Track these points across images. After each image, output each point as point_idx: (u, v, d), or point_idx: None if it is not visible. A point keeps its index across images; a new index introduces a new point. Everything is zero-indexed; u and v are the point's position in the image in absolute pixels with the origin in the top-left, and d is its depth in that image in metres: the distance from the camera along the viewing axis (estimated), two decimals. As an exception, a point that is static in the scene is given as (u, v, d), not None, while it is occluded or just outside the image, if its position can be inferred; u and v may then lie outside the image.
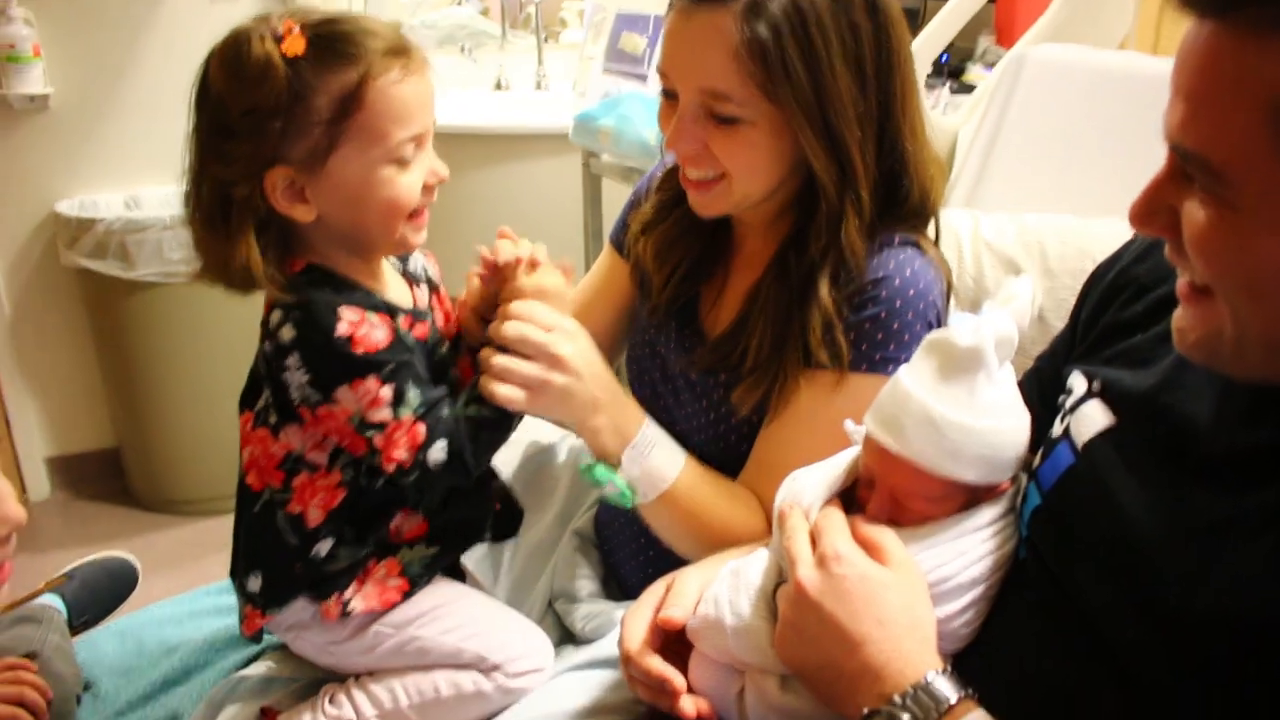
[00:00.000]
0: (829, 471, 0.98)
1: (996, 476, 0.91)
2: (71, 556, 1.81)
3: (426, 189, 1.02)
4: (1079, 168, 1.53)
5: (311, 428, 1.01)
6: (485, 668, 1.10)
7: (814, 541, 0.88)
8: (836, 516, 0.91)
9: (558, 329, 1.05)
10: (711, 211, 1.18)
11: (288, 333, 0.97)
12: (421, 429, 0.98)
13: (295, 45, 0.93)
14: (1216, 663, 0.72)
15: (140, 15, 2.80)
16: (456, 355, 1.12)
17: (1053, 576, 0.85)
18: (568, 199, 2.60)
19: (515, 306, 1.04)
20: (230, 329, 2.66)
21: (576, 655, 1.16)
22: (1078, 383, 0.91)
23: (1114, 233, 1.24)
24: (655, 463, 1.12)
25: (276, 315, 0.98)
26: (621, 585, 1.34)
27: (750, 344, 1.16)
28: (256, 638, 1.13)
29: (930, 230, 1.21)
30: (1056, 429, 0.91)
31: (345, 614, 1.06)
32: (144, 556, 2.73)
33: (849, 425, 1.01)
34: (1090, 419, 0.87)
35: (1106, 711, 0.78)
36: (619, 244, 1.40)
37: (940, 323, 1.16)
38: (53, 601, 1.43)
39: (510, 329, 1.03)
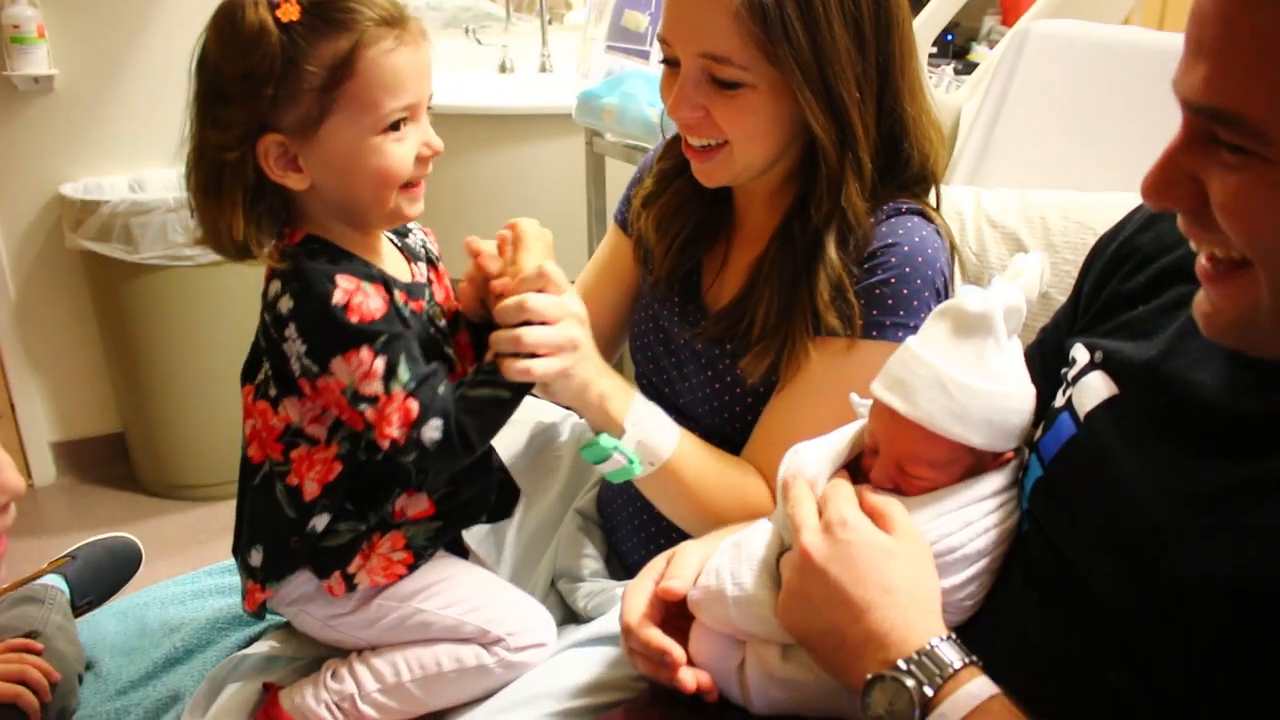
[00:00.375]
0: (833, 444, 0.98)
1: (1001, 443, 0.91)
2: (76, 541, 1.82)
3: (421, 160, 1.01)
4: (1083, 143, 1.52)
5: (311, 400, 1.01)
6: (487, 642, 1.10)
7: (820, 510, 0.89)
8: (844, 486, 0.91)
9: (565, 317, 1.04)
10: (715, 180, 1.18)
11: (285, 303, 0.97)
12: (414, 405, 0.97)
13: (290, 11, 0.93)
14: (1218, 632, 0.71)
15: (145, -3, 2.80)
16: (454, 333, 1.12)
17: (1054, 548, 0.85)
18: (572, 179, 2.60)
19: (527, 301, 1.02)
20: (235, 312, 2.66)
21: (578, 633, 1.16)
22: (1080, 354, 0.91)
23: (1116, 207, 1.22)
24: (652, 433, 1.12)
25: (275, 286, 0.99)
26: (624, 563, 1.34)
27: (757, 313, 1.16)
28: (259, 614, 1.13)
29: (932, 198, 1.21)
30: (1058, 400, 0.91)
31: (351, 589, 1.06)
32: (149, 541, 2.73)
33: (854, 398, 1.02)
34: (1092, 389, 0.87)
35: (1110, 683, 0.77)
36: (623, 222, 1.40)
37: (947, 289, 1.16)
38: (55, 582, 1.43)
39: (530, 301, 1.02)
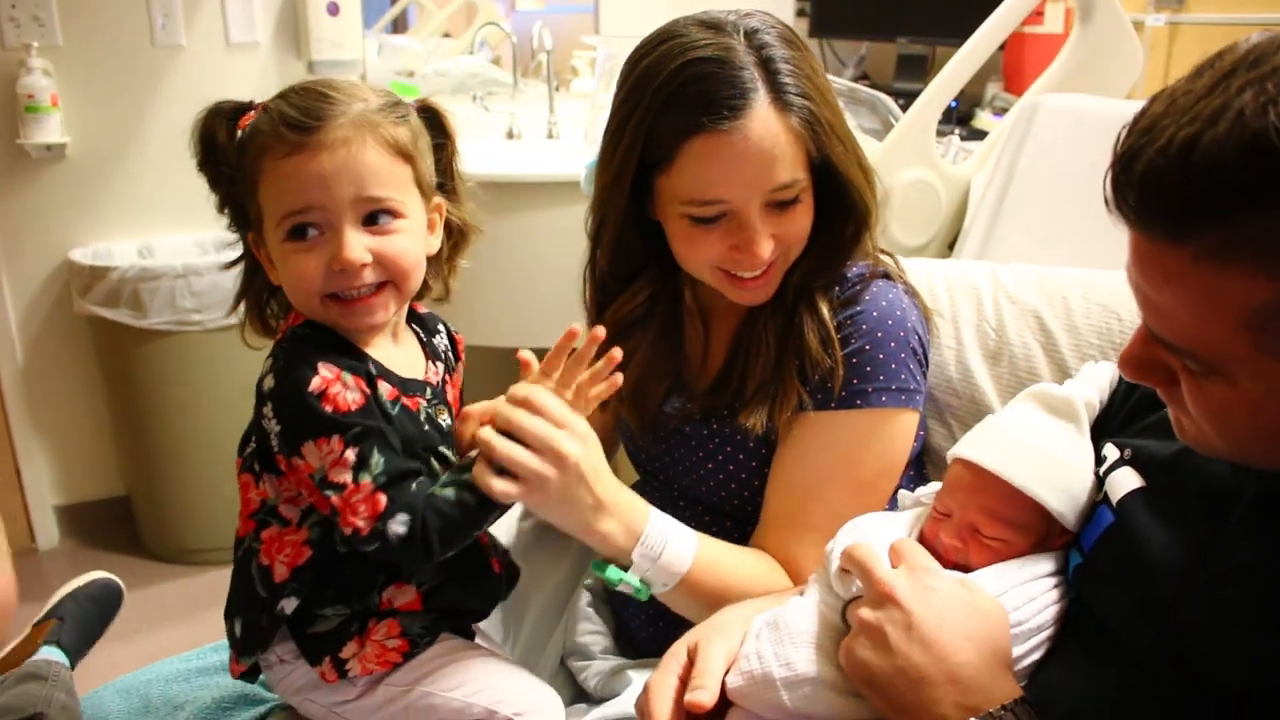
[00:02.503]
0: (892, 519, 1.01)
1: (1070, 516, 0.95)
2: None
3: (337, 273, 0.97)
4: (1092, 217, 1.52)
5: (288, 478, 1.01)
6: None
7: (894, 563, 0.90)
8: (918, 545, 0.93)
9: (569, 426, 1.00)
10: (767, 296, 1.16)
11: (268, 381, 0.99)
12: (382, 499, 0.95)
13: (247, 120, 1.00)
14: (1247, 700, 0.74)
15: (157, 66, 2.83)
16: (453, 439, 1.09)
17: (1099, 622, 0.87)
18: (578, 247, 2.60)
19: (530, 392, 1.00)
20: (242, 378, 2.63)
21: (590, 715, 1.14)
22: (1111, 452, 0.96)
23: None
24: (669, 554, 1.08)
25: (267, 364, 1.01)
26: (633, 641, 1.32)
27: (752, 369, 1.17)
28: (248, 678, 1.11)
29: (892, 261, 1.24)
30: (1098, 496, 0.96)
31: (343, 675, 1.04)
32: (153, 606, 2.73)
33: (904, 494, 1.07)
34: (1122, 481, 0.91)
35: None
36: None
37: (923, 348, 1.17)
38: (55, 656, 1.42)
39: (521, 417, 0.98)
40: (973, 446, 0.98)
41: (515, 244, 2.68)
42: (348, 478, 0.95)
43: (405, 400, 1.03)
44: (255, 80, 2.88)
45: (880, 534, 0.97)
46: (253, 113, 1.00)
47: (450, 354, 1.16)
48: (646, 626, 1.28)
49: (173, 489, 2.88)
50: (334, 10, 2.90)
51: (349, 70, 3.00)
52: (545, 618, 1.36)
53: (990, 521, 0.95)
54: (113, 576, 1.69)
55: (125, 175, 2.87)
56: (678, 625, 1.23)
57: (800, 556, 1.14)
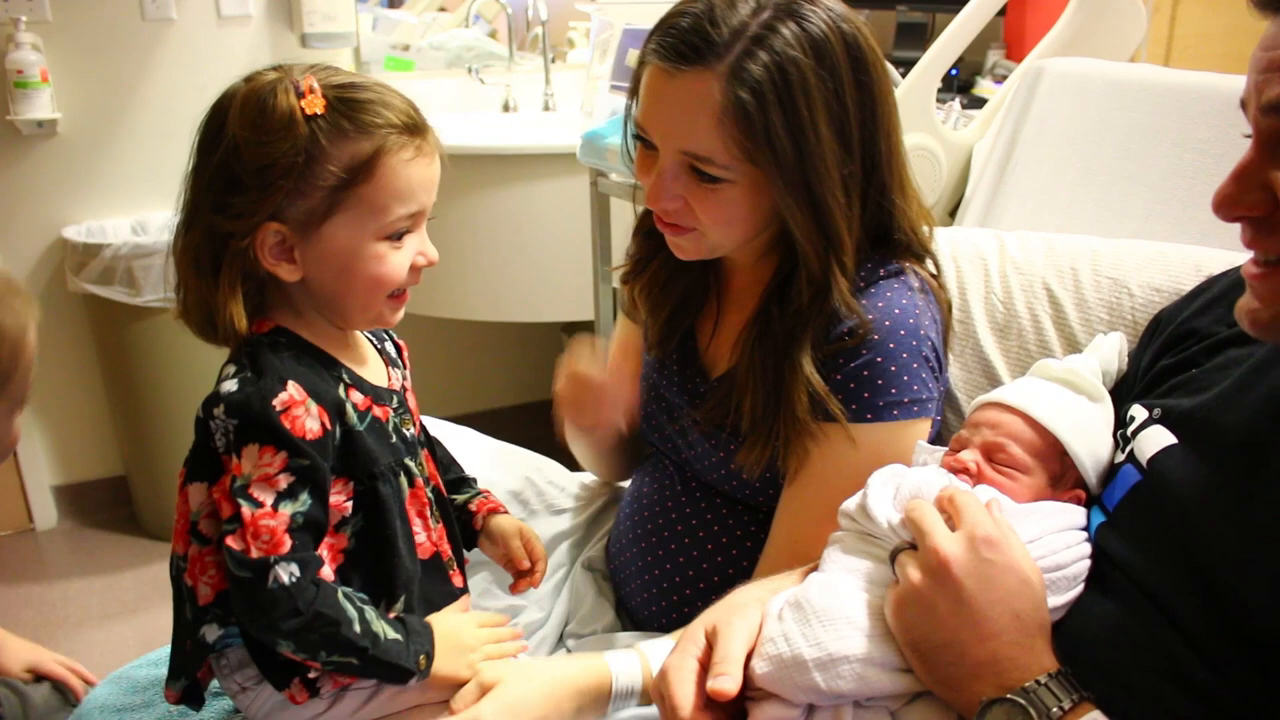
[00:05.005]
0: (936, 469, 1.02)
1: (1085, 460, 0.99)
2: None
3: (414, 270, 1.00)
4: (1097, 182, 1.50)
5: (220, 483, 0.94)
6: None
7: (950, 520, 0.88)
8: (974, 496, 0.91)
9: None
10: (689, 255, 1.17)
11: (229, 385, 0.93)
12: (287, 542, 0.90)
13: (314, 104, 0.92)
14: (1265, 652, 0.75)
15: (148, 40, 2.79)
16: (419, 446, 1.09)
17: (1129, 578, 0.87)
18: (576, 219, 2.58)
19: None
20: (237, 354, 2.64)
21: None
22: (1139, 413, 0.96)
23: (1148, 267, 1.21)
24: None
25: (229, 368, 0.96)
26: (633, 617, 1.30)
27: (743, 406, 1.14)
28: (192, 703, 1.05)
29: (929, 264, 1.20)
30: (1119, 457, 0.97)
31: (314, 694, 0.99)
32: (151, 585, 2.73)
33: (921, 444, 1.08)
34: (1153, 439, 0.91)
35: (1198, 680, 0.79)
36: (628, 311, 1.40)
37: (937, 355, 1.14)
38: None
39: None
40: (998, 393, 1.05)
41: (513, 217, 2.66)
42: (269, 499, 0.91)
43: (376, 410, 1.01)
44: (247, 54, 2.84)
45: (926, 484, 0.96)
46: (311, 94, 0.93)
47: (401, 359, 1.14)
48: (647, 605, 1.27)
49: (170, 468, 2.84)
50: (326, -17, 2.87)
51: (342, 43, 2.97)
52: (544, 593, 1.35)
53: (1005, 448, 0.99)
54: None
55: (117, 151, 2.84)
56: (678, 600, 1.22)
57: None
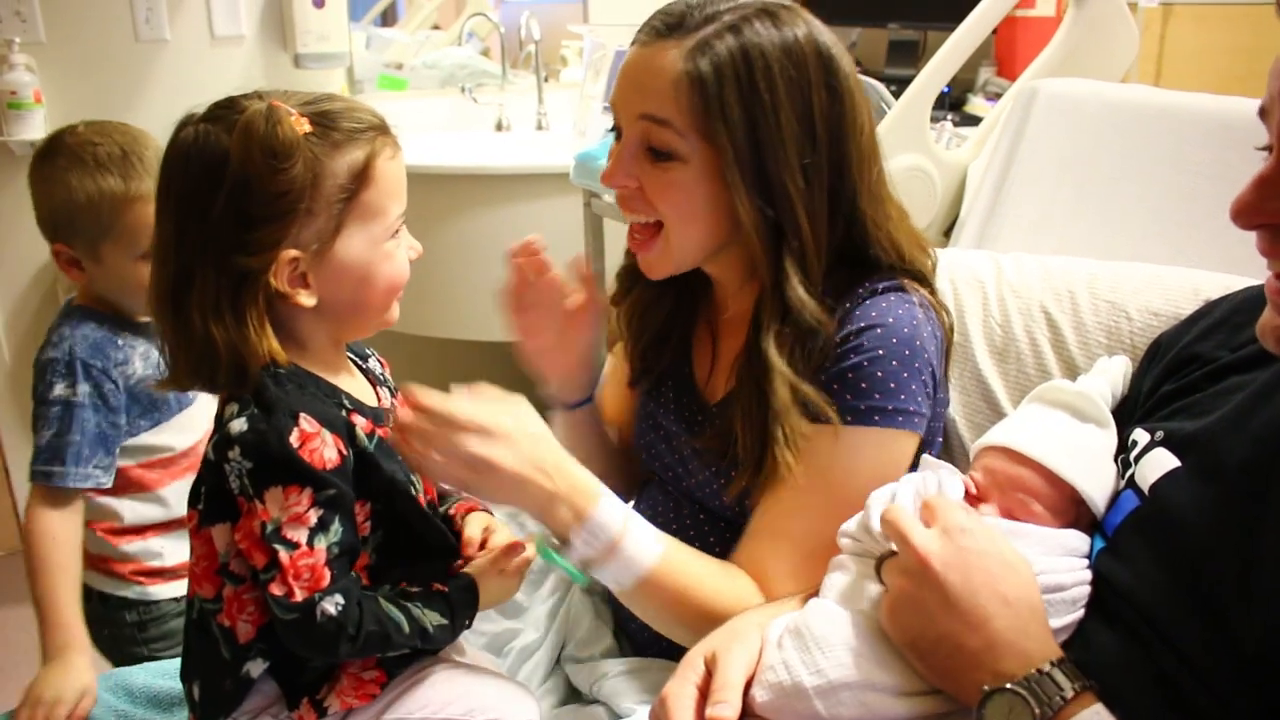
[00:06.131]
0: (919, 487, 1.00)
1: (1099, 501, 0.97)
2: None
3: (409, 265, 1.04)
4: (1093, 204, 1.50)
5: (242, 526, 0.94)
6: None
7: (927, 521, 0.88)
8: (949, 500, 0.91)
9: (485, 431, 0.99)
10: (657, 270, 1.17)
11: (238, 425, 0.92)
12: (327, 575, 0.91)
13: (302, 124, 0.92)
14: (1266, 676, 0.75)
15: (142, 61, 2.79)
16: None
17: (1126, 603, 0.86)
18: (570, 239, 2.58)
19: (442, 409, 0.98)
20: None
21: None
22: (1140, 436, 0.96)
23: (1145, 291, 1.21)
24: (629, 548, 1.04)
25: (232, 408, 0.95)
26: (632, 642, 1.29)
27: (740, 438, 1.13)
28: None
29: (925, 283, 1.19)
30: (1120, 483, 0.96)
31: (322, 715, 1.00)
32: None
33: (927, 458, 1.05)
34: (1156, 463, 0.91)
35: (1199, 707, 0.79)
36: (611, 343, 1.41)
37: (934, 368, 1.12)
38: None
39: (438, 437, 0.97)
40: (1006, 434, 1.01)
41: (505, 236, 2.65)
42: (303, 537, 0.91)
43: (379, 431, 1.01)
44: (241, 74, 2.85)
45: (913, 499, 0.96)
46: (295, 116, 0.93)
47: (386, 376, 1.14)
48: (646, 628, 1.25)
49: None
50: (319, 2, 2.87)
51: (336, 63, 2.98)
52: (541, 617, 1.34)
53: (1027, 507, 0.97)
54: None
55: (110, 172, 2.83)
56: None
57: (772, 569, 1.10)
